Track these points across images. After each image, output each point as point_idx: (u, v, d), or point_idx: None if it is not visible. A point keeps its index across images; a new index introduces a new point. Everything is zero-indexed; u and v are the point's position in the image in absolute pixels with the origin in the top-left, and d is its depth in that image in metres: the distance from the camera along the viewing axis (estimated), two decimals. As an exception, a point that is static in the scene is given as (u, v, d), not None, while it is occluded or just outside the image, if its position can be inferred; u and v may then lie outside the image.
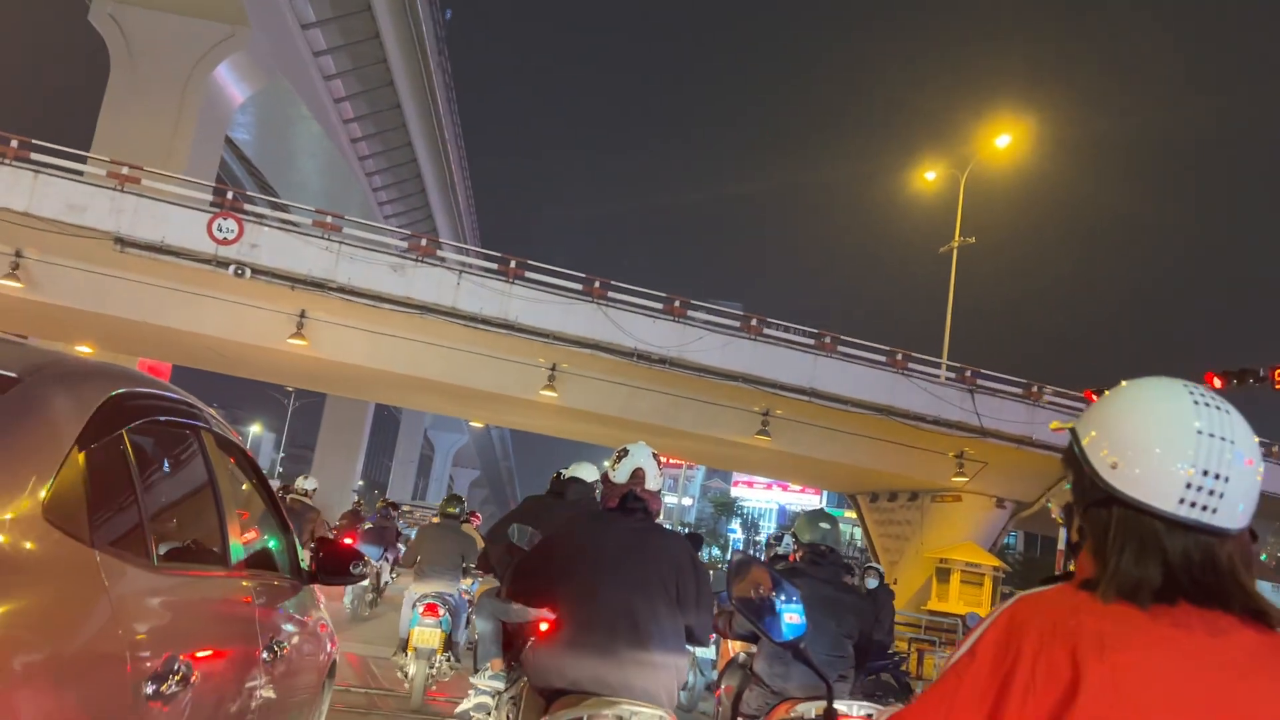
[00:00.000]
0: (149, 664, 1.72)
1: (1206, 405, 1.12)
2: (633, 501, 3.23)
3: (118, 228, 16.03)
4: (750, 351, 19.42)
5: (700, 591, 3.04)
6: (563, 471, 5.53)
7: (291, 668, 2.83)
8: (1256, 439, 1.13)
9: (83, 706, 1.50)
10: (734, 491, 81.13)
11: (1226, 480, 1.09)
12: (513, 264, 18.30)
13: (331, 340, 19.29)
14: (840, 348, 20.13)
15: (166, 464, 2.32)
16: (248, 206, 17.22)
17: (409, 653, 7.90)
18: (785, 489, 78.43)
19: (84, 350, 27.09)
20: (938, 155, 31.92)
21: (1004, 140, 27.31)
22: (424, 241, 18.25)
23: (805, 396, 19.66)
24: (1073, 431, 1.21)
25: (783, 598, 2.08)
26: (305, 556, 3.28)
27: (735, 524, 72.70)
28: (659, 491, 3.25)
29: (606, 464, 3.55)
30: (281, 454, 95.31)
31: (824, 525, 4.49)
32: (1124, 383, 1.19)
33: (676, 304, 19.22)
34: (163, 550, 2.03)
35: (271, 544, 3.04)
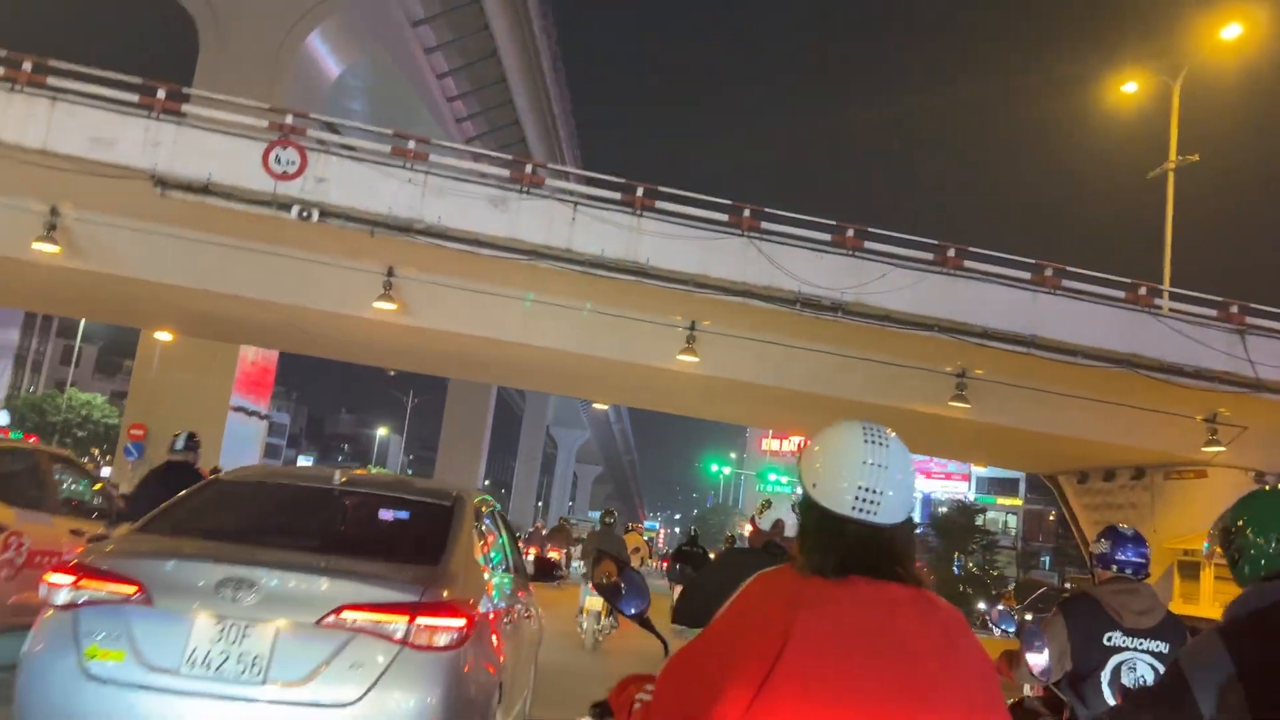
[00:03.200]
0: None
1: (872, 442, 1.63)
2: (774, 549, 4.02)
3: (154, 164, 12.94)
4: (947, 291, 15.06)
5: None
6: (737, 534, 5.14)
7: (530, 627, 5.43)
8: (911, 457, 1.65)
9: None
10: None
11: (881, 493, 1.60)
12: (640, 192, 14.46)
13: (425, 302, 15.89)
14: (1066, 281, 15.53)
15: (488, 525, 4.95)
16: (311, 132, 13.92)
17: (584, 614, 12.06)
18: (929, 475, 72.65)
19: (164, 337, 24.76)
20: (1141, 57, 26.60)
21: (1232, 31, 21.93)
22: (529, 168, 14.57)
23: (1021, 347, 15.16)
24: (798, 462, 1.72)
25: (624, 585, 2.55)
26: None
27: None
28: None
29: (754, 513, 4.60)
30: (410, 456, 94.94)
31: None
32: (826, 429, 1.70)
33: (850, 234, 15.02)
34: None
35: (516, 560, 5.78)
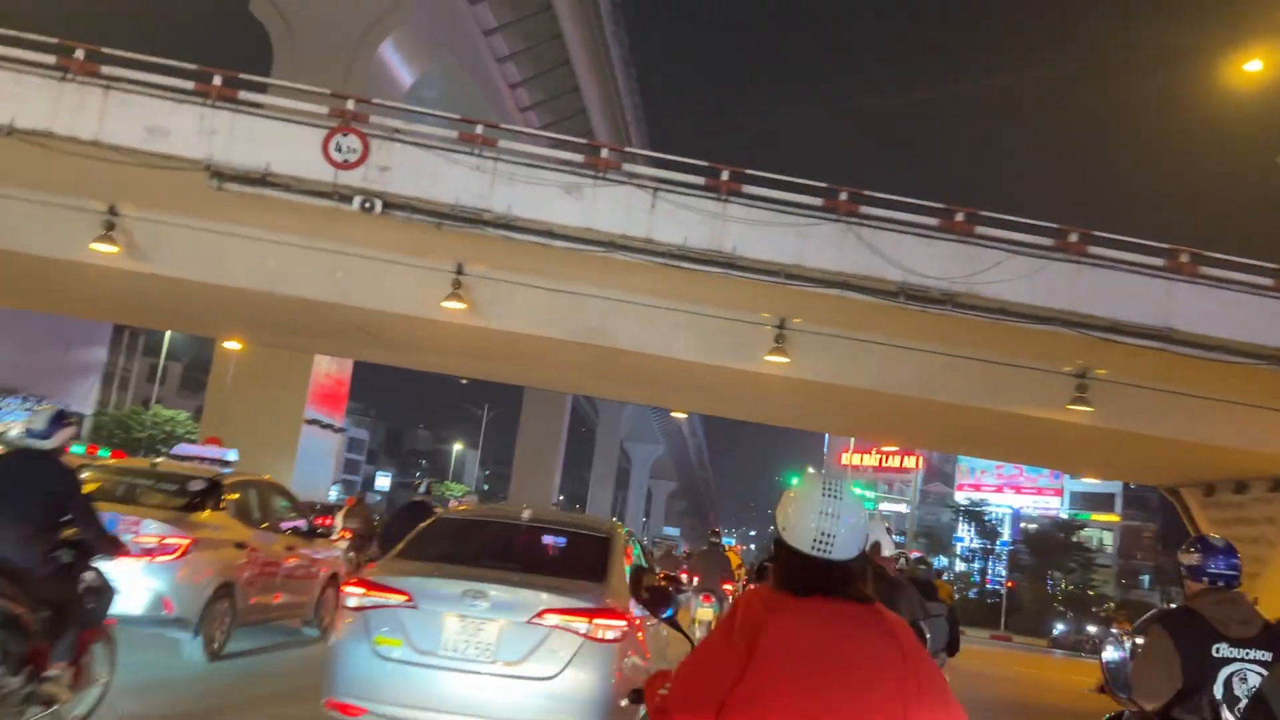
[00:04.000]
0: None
1: (829, 495, 2.08)
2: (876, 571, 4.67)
3: (210, 153, 12.21)
4: (1071, 280, 13.48)
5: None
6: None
7: (661, 630, 5.85)
8: (863, 506, 2.12)
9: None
10: (958, 495, 72.83)
11: (834, 537, 2.04)
12: (725, 175, 13.27)
13: (496, 301, 14.93)
14: (1204, 269, 13.82)
15: (629, 548, 6.07)
16: (374, 119, 13.05)
17: (695, 624, 12.74)
18: (1019, 490, 69.53)
19: (233, 346, 24.38)
20: (1263, 31, 24.44)
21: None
22: (604, 152, 13.49)
23: (1155, 341, 13.50)
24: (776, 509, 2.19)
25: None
26: None
27: (964, 530, 64.91)
28: (893, 556, 4.40)
29: None
30: (486, 471, 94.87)
31: None
32: (795, 485, 2.26)
33: (959, 217, 13.58)
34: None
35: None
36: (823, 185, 13.51)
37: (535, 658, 4.84)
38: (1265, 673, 3.33)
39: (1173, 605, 5.25)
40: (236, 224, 13.90)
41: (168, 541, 7.43)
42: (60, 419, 5.03)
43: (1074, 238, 13.61)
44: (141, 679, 6.69)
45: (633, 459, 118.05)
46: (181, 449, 10.67)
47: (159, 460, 9.84)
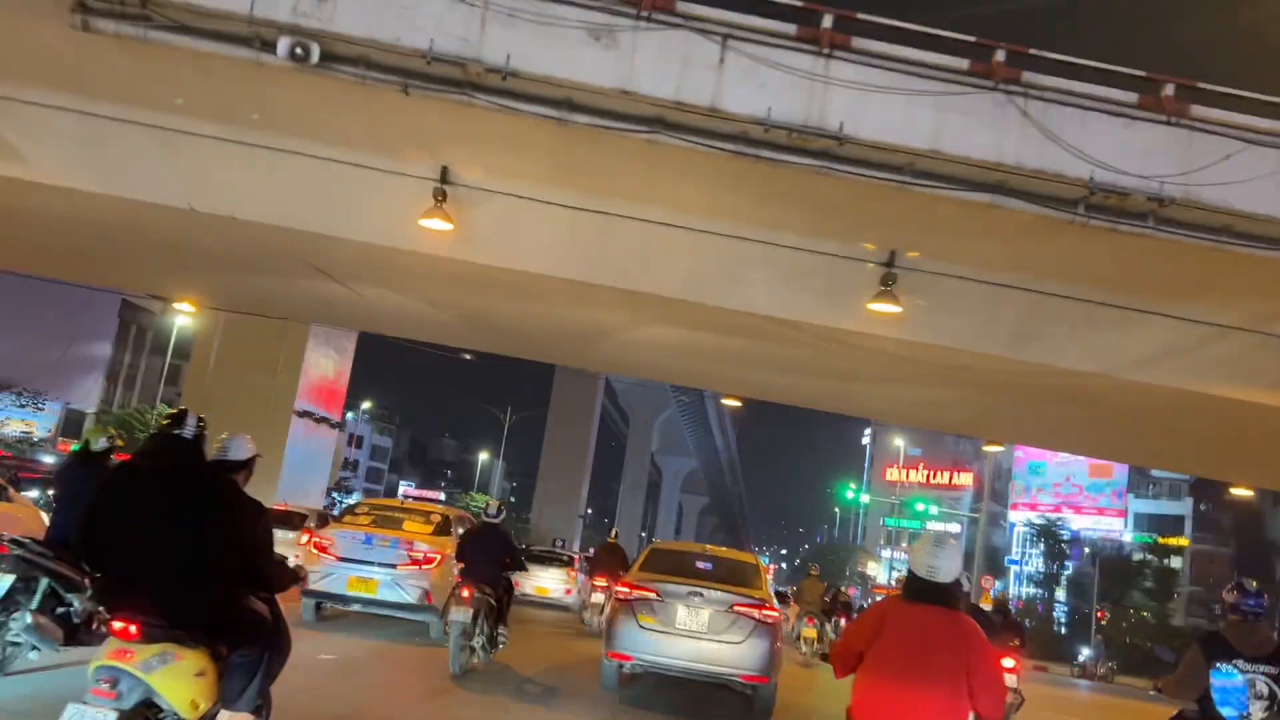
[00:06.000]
0: None
1: (934, 544, 3.94)
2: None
3: None
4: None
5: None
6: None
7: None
8: (956, 549, 4.10)
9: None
10: (1012, 515, 67.62)
11: (936, 569, 3.83)
12: (827, 21, 8.97)
13: (494, 225, 10.78)
14: None
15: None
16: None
17: (801, 641, 16.59)
18: (1078, 510, 64.20)
19: (185, 310, 20.40)
20: None
21: None
22: (654, -15, 9.23)
23: None
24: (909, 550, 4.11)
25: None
26: None
27: (1022, 551, 59.90)
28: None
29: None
30: (513, 483, 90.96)
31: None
32: (917, 541, 4.13)
33: (1168, 90, 9.18)
34: None
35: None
36: (970, 39, 9.17)
37: (730, 631, 8.38)
38: (1272, 683, 4.91)
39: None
40: (130, 105, 9.87)
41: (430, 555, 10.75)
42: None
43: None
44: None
45: (663, 472, 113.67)
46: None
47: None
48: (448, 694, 8.13)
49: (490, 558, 9.25)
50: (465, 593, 8.69)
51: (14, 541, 5.89)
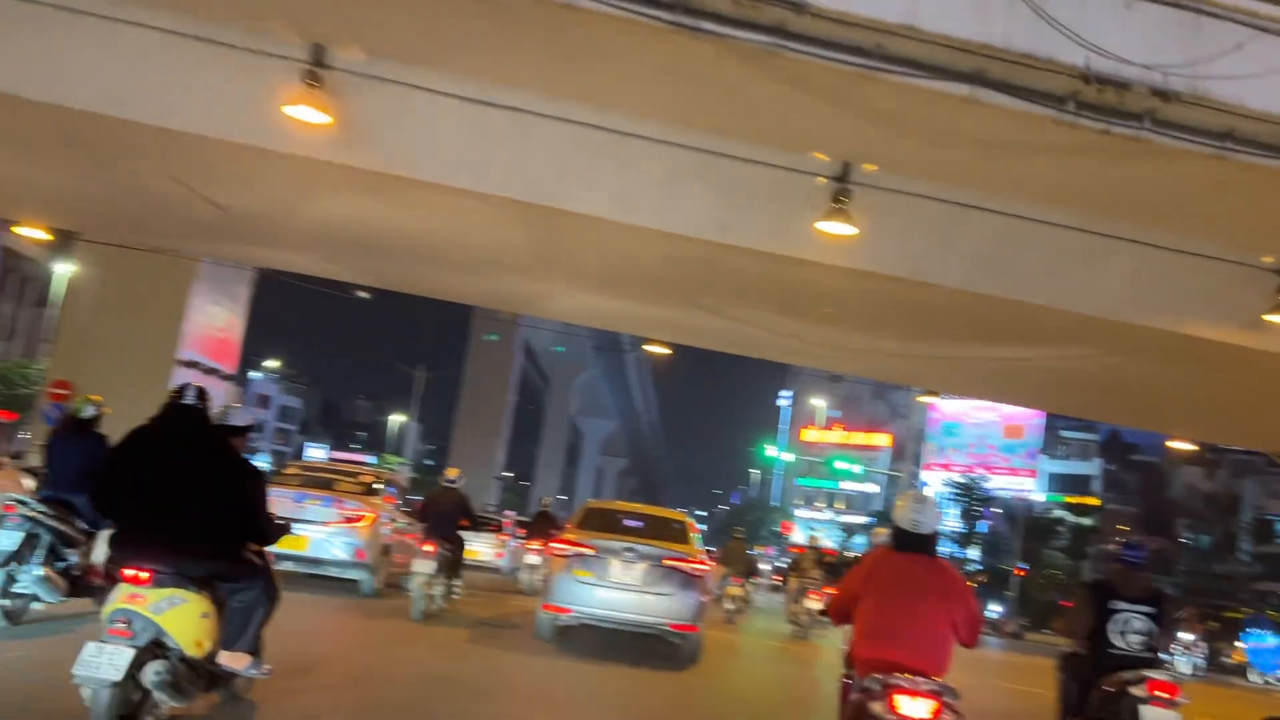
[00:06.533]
0: None
1: (916, 500, 4.73)
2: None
3: None
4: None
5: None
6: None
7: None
8: (934, 505, 4.81)
9: None
10: (923, 475, 67.92)
11: (919, 523, 4.54)
12: None
13: (381, 120, 9.01)
14: None
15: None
16: None
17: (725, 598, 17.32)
18: (991, 470, 64.68)
19: (35, 237, 17.99)
20: None
21: None
22: None
23: None
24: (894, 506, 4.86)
25: None
26: None
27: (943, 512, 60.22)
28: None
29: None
30: (431, 446, 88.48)
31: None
32: (900, 498, 4.99)
33: (1174, -31, 7.88)
34: None
35: None
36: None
37: (663, 584, 9.10)
38: (1147, 620, 6.05)
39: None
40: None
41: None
42: None
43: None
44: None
45: (584, 434, 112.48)
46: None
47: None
48: (417, 639, 9.21)
49: (449, 518, 10.52)
50: (429, 547, 10.00)
51: (18, 500, 6.63)
